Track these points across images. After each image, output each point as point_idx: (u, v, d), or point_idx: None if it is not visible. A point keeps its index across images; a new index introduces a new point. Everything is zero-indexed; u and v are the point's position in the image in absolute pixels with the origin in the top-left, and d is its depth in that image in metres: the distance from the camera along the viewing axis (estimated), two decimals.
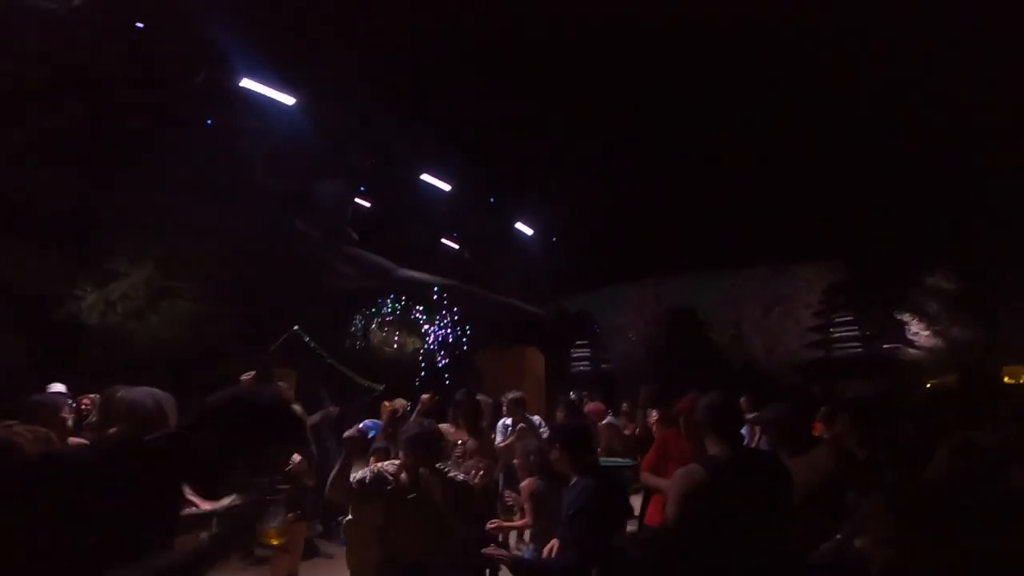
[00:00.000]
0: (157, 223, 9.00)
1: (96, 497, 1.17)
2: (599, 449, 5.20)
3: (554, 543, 2.84)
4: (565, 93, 10.09)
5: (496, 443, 4.67)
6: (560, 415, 6.79)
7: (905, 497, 1.87)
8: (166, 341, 9.26)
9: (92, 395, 4.54)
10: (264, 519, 1.79)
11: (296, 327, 6.41)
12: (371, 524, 2.89)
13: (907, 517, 1.70)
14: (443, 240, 12.39)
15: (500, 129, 10.10)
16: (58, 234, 8.34)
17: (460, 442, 4.25)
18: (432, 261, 11.94)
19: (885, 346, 14.58)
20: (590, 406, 7.14)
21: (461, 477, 3.08)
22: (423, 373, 11.25)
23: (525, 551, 3.49)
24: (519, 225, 12.79)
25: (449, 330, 11.86)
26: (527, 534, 3.65)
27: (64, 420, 2.96)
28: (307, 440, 3.90)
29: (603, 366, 16.64)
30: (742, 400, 7.08)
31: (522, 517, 3.56)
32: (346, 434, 2.91)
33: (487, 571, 3.60)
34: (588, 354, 17.03)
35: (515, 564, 2.71)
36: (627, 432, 7.39)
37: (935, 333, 14.12)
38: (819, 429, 3.69)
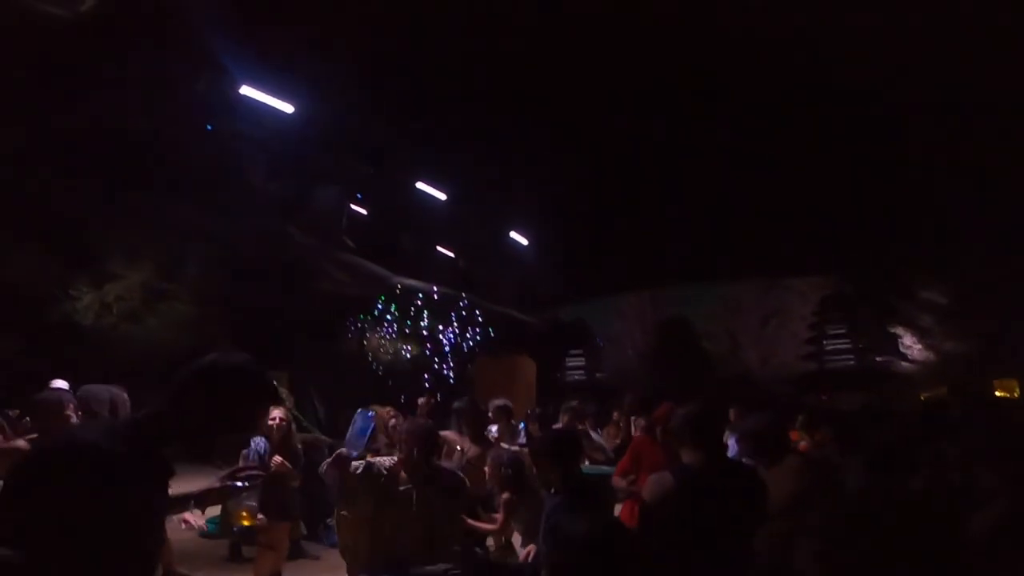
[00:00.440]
0: (154, 226, 9.08)
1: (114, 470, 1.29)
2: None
3: (531, 548, 2.88)
4: (561, 104, 10.20)
5: None
6: (565, 420, 6.57)
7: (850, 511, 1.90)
8: (162, 342, 9.31)
9: None
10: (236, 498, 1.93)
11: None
12: (362, 515, 2.94)
13: (843, 531, 1.74)
14: (438, 248, 12.47)
15: (495, 138, 10.20)
16: (55, 235, 8.42)
17: (460, 448, 4.30)
18: (427, 269, 12.00)
19: (878, 359, 14.66)
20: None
21: (453, 471, 3.13)
22: (416, 379, 11.27)
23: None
24: (514, 234, 12.88)
25: (442, 337, 11.91)
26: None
27: (68, 417, 3.03)
28: (279, 397, 3.93)
29: (597, 375, 16.67)
30: (731, 411, 7.12)
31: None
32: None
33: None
34: (582, 363, 17.08)
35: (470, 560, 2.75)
36: (617, 441, 7.43)
37: (928, 346, 14.19)
38: (796, 438, 3.74)
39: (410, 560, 2.91)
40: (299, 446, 3.96)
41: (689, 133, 10.97)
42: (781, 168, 11.67)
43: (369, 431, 3.34)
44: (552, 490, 2.69)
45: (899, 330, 14.44)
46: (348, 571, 2.98)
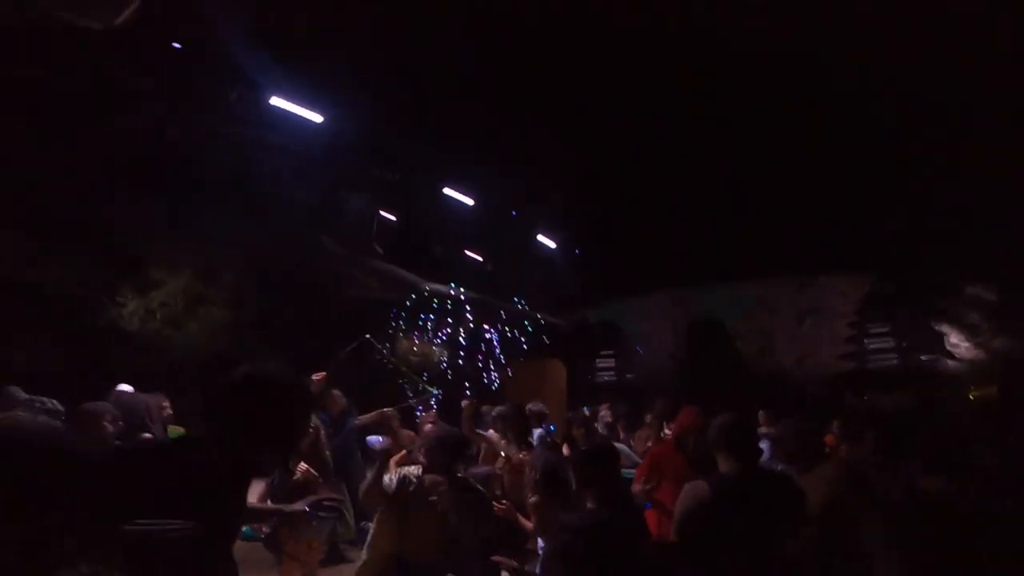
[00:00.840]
0: (192, 234, 9.38)
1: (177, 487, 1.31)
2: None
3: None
4: (587, 103, 10.14)
5: None
6: (577, 432, 6.44)
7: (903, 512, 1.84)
8: (200, 346, 9.62)
9: None
10: (316, 528, 1.96)
11: (368, 335, 6.62)
12: (390, 523, 2.98)
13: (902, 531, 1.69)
14: (467, 252, 12.51)
15: (522, 141, 10.19)
16: (102, 244, 8.78)
17: (504, 455, 4.31)
18: (455, 273, 12.05)
19: (923, 357, 14.11)
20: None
21: (476, 478, 3.14)
22: (449, 385, 11.35)
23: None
24: (541, 237, 12.84)
25: (472, 342, 11.93)
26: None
27: (105, 427, 3.15)
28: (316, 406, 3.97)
29: (628, 376, 16.49)
30: (760, 414, 6.95)
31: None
32: (379, 446, 3.01)
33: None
34: (613, 364, 16.93)
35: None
36: (650, 444, 7.33)
37: (976, 344, 13.58)
38: (831, 442, 3.63)
39: (435, 568, 2.93)
40: (328, 454, 4.01)
41: (719, 130, 10.77)
42: (814, 163, 11.36)
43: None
44: (588, 504, 2.66)
45: (944, 328, 13.86)
46: None
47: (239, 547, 1.52)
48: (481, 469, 4.01)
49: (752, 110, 10.48)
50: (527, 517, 3.70)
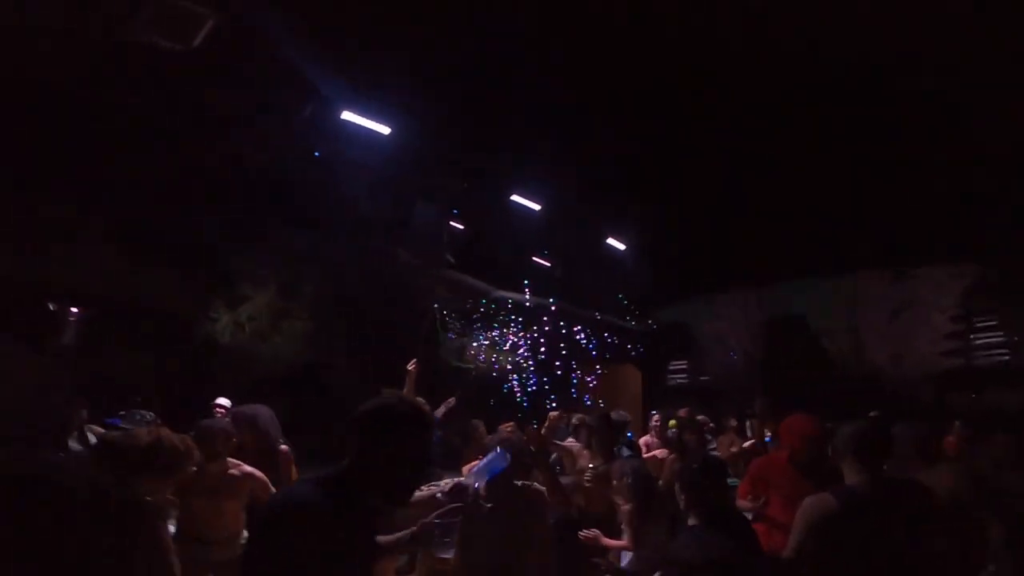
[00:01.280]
0: (274, 250, 9.87)
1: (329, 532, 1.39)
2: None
3: None
4: (658, 103, 9.87)
5: None
6: (689, 437, 5.98)
7: None
8: (284, 357, 10.10)
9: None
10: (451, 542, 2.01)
11: (436, 304, 6.83)
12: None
13: None
14: (534, 259, 12.47)
15: (588, 143, 10.05)
16: (196, 262, 9.37)
17: (592, 466, 4.24)
18: (524, 280, 12.03)
19: None
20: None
21: (535, 487, 3.05)
22: (519, 393, 11.33)
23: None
24: (610, 240, 12.62)
25: (544, 350, 11.83)
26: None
27: (234, 443, 3.34)
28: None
29: (702, 378, 15.91)
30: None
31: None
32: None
33: None
34: (685, 366, 16.38)
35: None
36: (734, 449, 6.99)
37: None
38: (951, 445, 3.33)
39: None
40: None
41: (801, 117, 10.19)
42: (907, 147, 10.54)
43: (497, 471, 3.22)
44: (691, 520, 2.50)
45: None
46: None
47: None
48: (564, 480, 3.92)
49: (841, 97, 9.84)
50: (605, 528, 3.56)
